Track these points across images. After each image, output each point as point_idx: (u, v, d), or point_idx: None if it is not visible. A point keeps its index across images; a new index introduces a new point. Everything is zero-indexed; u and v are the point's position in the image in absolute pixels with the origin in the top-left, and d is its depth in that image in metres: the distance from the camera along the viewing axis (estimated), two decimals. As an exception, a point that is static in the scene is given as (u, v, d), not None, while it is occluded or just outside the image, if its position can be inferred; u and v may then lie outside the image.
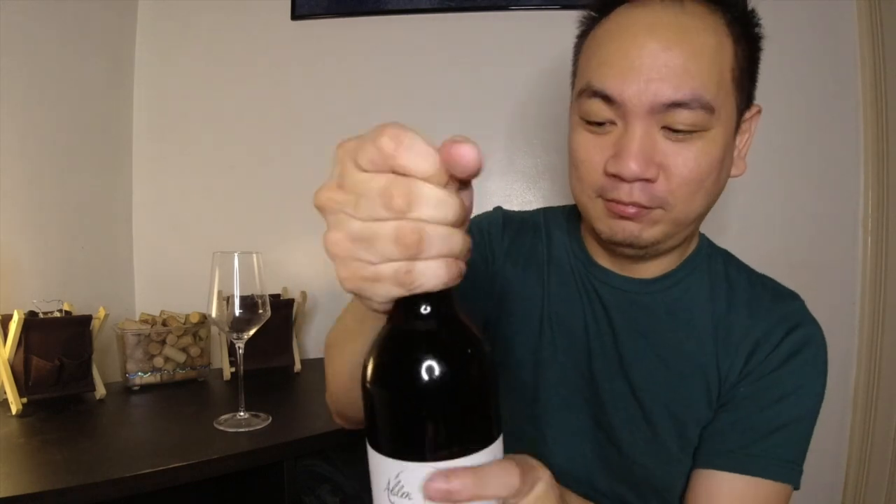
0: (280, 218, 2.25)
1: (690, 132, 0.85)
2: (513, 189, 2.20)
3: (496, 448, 0.55)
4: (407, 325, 0.54)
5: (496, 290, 1.13)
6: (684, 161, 0.85)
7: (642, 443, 1.01)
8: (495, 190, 2.21)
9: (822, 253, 2.20)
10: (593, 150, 0.91)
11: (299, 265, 2.23)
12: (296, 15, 2.20)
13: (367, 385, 0.54)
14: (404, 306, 0.53)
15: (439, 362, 0.50)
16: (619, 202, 0.89)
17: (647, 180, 0.86)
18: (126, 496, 1.19)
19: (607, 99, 0.86)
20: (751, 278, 1.06)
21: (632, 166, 0.84)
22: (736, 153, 0.97)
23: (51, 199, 1.89)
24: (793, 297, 1.03)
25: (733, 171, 0.97)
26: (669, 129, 0.85)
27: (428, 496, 0.50)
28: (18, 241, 1.77)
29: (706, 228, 1.10)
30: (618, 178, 0.87)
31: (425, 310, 0.53)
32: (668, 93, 0.82)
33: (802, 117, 2.16)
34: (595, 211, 0.95)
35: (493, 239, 1.15)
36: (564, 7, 2.10)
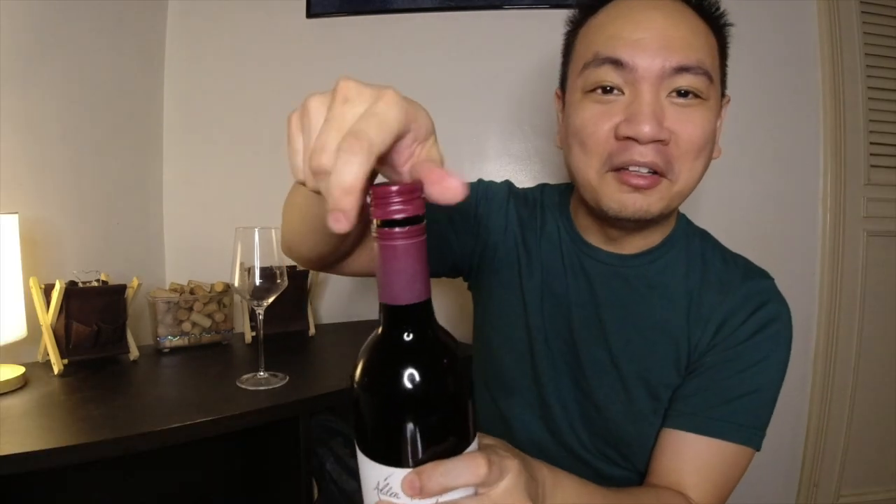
0: (296, 197, 2.22)
1: (694, 97, 0.86)
2: (506, 171, 2.17)
3: (471, 450, 0.56)
4: (391, 344, 0.54)
5: (488, 253, 1.13)
6: (693, 125, 0.86)
7: (618, 404, 1.01)
8: (491, 171, 2.18)
9: (786, 227, 2.21)
10: (601, 119, 0.88)
11: (314, 240, 2.21)
12: (310, 13, 2.17)
13: (359, 402, 0.55)
14: (387, 319, 0.53)
15: (422, 385, 0.51)
16: (633, 165, 0.86)
17: (661, 142, 0.85)
18: (156, 448, 1.18)
19: (618, 64, 0.86)
20: (725, 257, 1.04)
21: (646, 128, 0.83)
22: None
23: (89, 179, 1.87)
24: (763, 275, 1.02)
25: (713, 154, 0.96)
26: (675, 95, 0.86)
27: (406, 492, 0.52)
28: (60, 217, 1.76)
29: (682, 205, 1.08)
30: (631, 140, 0.85)
31: (407, 334, 0.53)
32: (676, 59, 0.84)
33: (768, 105, 2.15)
34: (605, 187, 0.90)
35: (492, 207, 1.14)
36: (554, 6, 2.08)
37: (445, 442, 0.54)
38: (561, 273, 1.07)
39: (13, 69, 1.58)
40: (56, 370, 1.47)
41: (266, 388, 1.41)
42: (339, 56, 2.19)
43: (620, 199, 0.89)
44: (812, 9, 2.18)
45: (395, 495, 0.53)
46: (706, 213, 1.92)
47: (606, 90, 0.88)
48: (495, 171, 2.18)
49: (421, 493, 0.52)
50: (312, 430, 1.45)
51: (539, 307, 1.07)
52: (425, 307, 0.53)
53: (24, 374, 1.40)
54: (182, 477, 1.73)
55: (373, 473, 0.54)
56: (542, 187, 1.19)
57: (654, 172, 0.87)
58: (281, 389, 1.41)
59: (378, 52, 2.19)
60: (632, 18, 0.87)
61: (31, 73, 1.65)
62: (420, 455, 0.52)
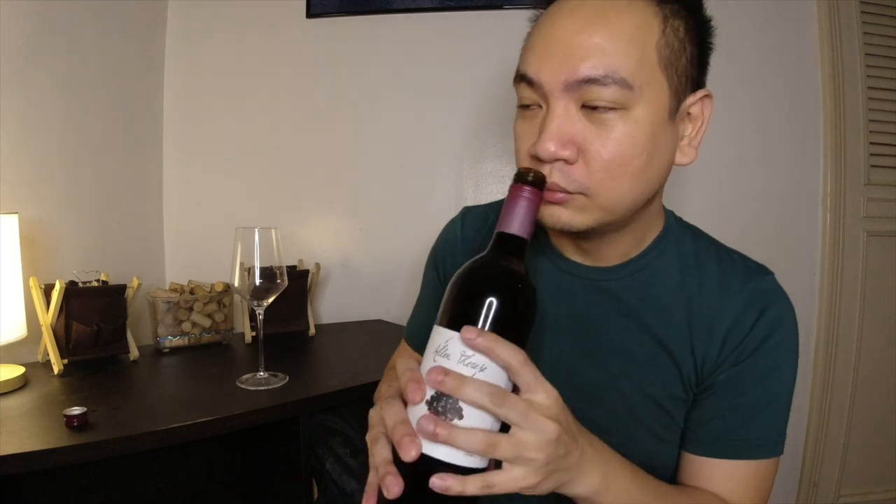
0: (296, 196, 2.25)
1: (609, 110, 0.76)
2: (506, 170, 2.18)
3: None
4: (495, 259, 0.70)
5: None
6: (603, 143, 0.77)
7: (625, 428, 0.94)
8: (491, 171, 2.19)
9: (786, 227, 2.20)
10: (524, 135, 0.85)
11: (314, 239, 2.23)
12: (310, 13, 2.18)
13: (458, 282, 0.69)
14: (497, 240, 0.71)
15: (503, 287, 0.67)
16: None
17: (565, 161, 0.78)
18: (157, 448, 1.18)
19: (529, 81, 0.81)
20: (720, 255, 0.96)
21: (548, 146, 0.77)
22: (686, 141, 0.87)
23: (89, 179, 1.88)
24: (762, 271, 0.94)
25: (680, 159, 0.87)
26: (588, 109, 0.77)
27: (462, 345, 0.63)
28: (60, 218, 1.76)
29: (681, 207, 1.06)
30: (537, 159, 0.80)
31: (507, 252, 0.70)
32: (581, 69, 0.75)
33: (769, 105, 2.15)
34: None
35: (445, 264, 1.13)
36: (554, 6, 2.08)
37: (505, 331, 0.65)
38: (543, 296, 0.96)
39: (13, 69, 1.58)
40: (56, 370, 1.47)
41: (266, 388, 1.41)
42: (339, 56, 2.20)
43: (542, 212, 0.83)
44: (812, 9, 2.18)
45: (447, 356, 0.64)
46: (706, 214, 1.92)
47: (528, 106, 0.85)
48: (495, 171, 2.20)
49: (472, 343, 0.62)
50: (312, 430, 1.45)
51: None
52: (523, 243, 0.70)
53: (24, 374, 1.40)
54: (182, 477, 1.73)
55: (439, 338, 0.66)
56: (500, 204, 1.13)
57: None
58: (281, 389, 1.41)
59: (378, 52, 2.19)
60: (545, 28, 0.81)
61: (31, 73, 1.65)
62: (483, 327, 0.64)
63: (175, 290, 1.80)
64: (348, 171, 2.22)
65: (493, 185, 2.20)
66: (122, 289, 1.62)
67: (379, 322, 2.21)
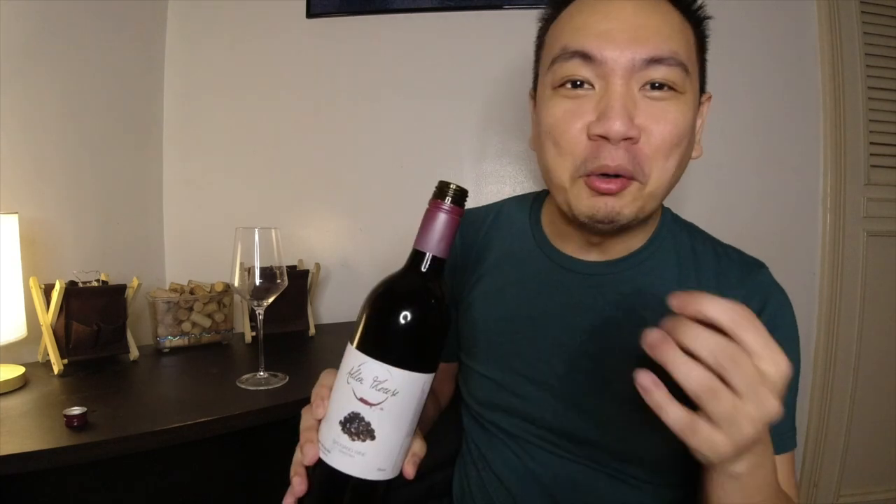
0: (296, 196, 2.24)
1: (668, 90, 0.81)
2: (506, 171, 2.18)
3: (426, 378, 0.69)
4: (409, 279, 0.70)
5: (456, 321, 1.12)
6: (665, 121, 0.81)
7: (628, 422, 0.92)
8: (491, 171, 2.19)
9: (786, 227, 2.21)
10: (573, 117, 0.83)
11: (313, 239, 2.23)
12: (310, 13, 2.18)
13: (371, 303, 0.70)
14: (413, 259, 0.71)
15: (416, 311, 0.67)
16: (604, 170, 0.81)
17: (631, 140, 0.80)
18: (157, 448, 1.18)
19: (587, 58, 0.81)
20: (716, 250, 0.98)
21: (617, 125, 0.78)
22: (695, 137, 0.92)
23: (89, 179, 1.87)
24: (758, 265, 0.96)
25: (693, 153, 0.91)
26: (648, 88, 0.81)
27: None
28: (60, 218, 1.75)
29: (682, 207, 1.05)
30: (603, 139, 0.80)
31: (424, 271, 0.70)
32: (647, 50, 0.79)
33: (769, 105, 2.15)
34: (574, 195, 0.86)
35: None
36: (553, 6, 2.08)
37: (413, 358, 0.67)
38: (540, 296, 1.01)
39: (13, 69, 1.58)
40: (56, 370, 1.47)
41: (266, 388, 1.41)
42: (339, 56, 2.20)
43: (592, 203, 0.84)
44: (812, 9, 2.18)
45: (360, 380, 0.66)
46: (706, 214, 1.92)
47: (576, 84, 0.83)
48: (495, 172, 2.20)
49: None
50: (312, 430, 1.45)
51: (517, 339, 1.01)
52: (440, 262, 0.70)
53: (24, 374, 1.40)
54: (181, 477, 1.72)
55: (352, 361, 0.68)
56: (500, 206, 1.15)
57: (621, 176, 0.82)
58: (281, 389, 1.41)
59: (378, 52, 2.19)
60: (600, 9, 0.83)
61: (31, 73, 1.65)
62: (391, 357, 0.66)
63: (175, 290, 1.80)
64: (348, 171, 2.22)
65: (493, 185, 2.20)
66: (122, 289, 1.62)
67: (379, 322, 2.20)
